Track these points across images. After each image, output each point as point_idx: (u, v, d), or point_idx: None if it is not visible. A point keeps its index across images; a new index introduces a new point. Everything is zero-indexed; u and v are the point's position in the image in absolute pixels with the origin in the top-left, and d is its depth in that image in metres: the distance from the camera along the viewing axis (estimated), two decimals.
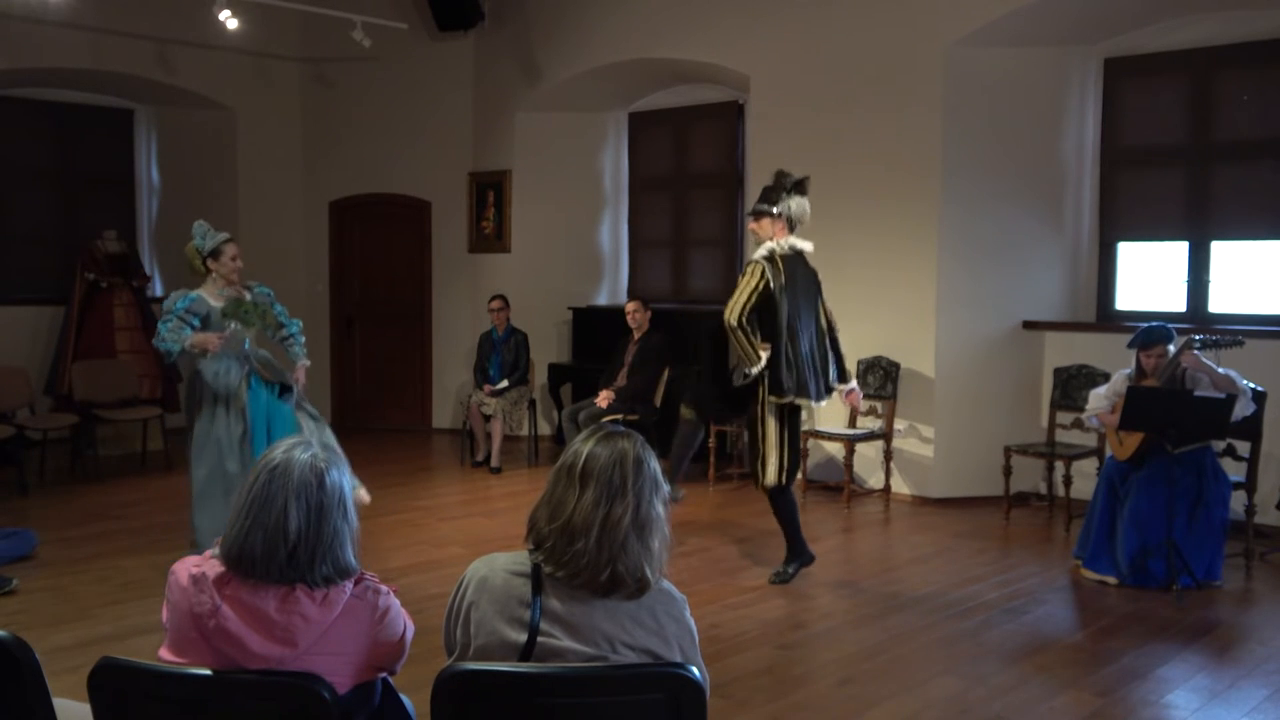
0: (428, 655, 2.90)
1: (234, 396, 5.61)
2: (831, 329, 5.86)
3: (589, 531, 2.15)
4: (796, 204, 5.73)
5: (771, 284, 5.53)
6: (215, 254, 5.68)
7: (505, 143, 10.04)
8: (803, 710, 4.07)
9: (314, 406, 5.99)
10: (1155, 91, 7.40)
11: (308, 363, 6.02)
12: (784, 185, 5.79)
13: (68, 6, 8.60)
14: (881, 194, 7.68)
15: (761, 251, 5.69)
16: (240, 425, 5.61)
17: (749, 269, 5.62)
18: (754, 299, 5.52)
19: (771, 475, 5.63)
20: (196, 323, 5.58)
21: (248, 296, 5.75)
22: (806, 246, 5.77)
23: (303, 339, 6.03)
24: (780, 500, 5.72)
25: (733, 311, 5.53)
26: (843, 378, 5.85)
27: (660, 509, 2.23)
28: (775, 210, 5.71)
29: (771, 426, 5.58)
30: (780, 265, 5.60)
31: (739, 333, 5.52)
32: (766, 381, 5.55)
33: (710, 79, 9.13)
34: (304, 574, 2.22)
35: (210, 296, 5.68)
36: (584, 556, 2.15)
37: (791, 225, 5.76)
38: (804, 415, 6.35)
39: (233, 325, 5.63)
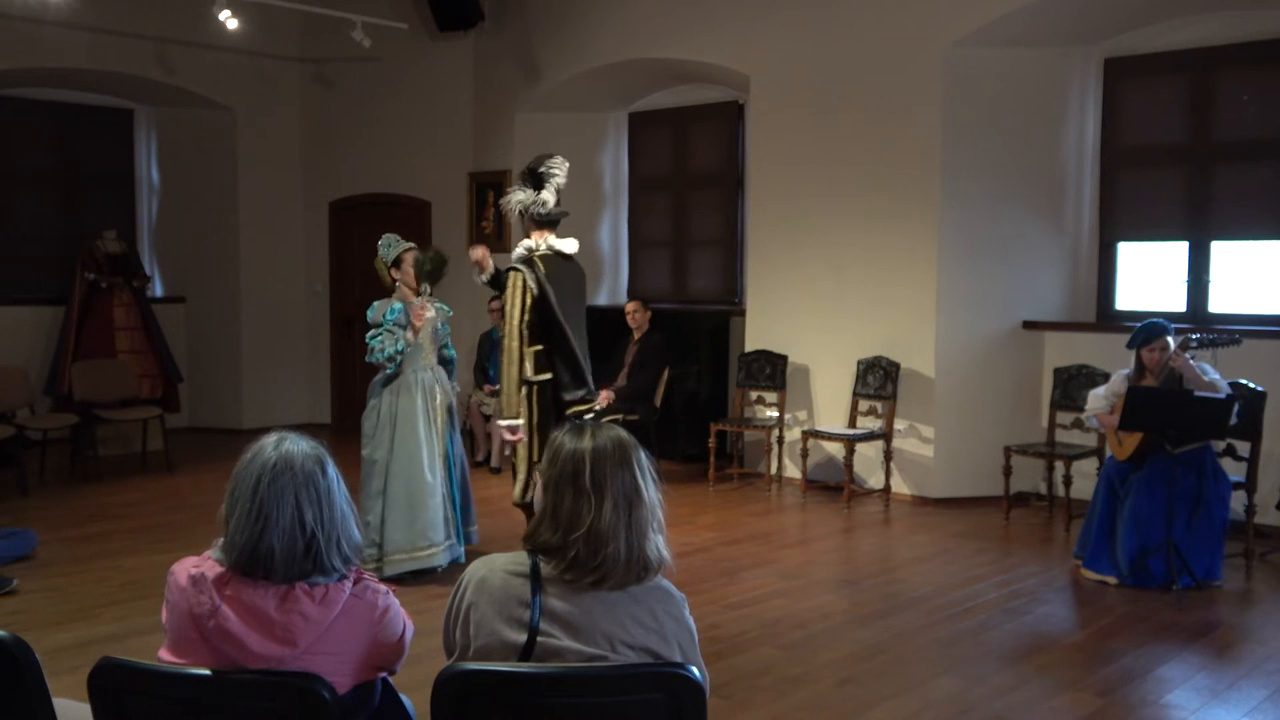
0: (428, 655, 2.90)
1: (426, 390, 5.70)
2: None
3: (616, 537, 2.17)
4: (521, 198, 5.22)
5: (535, 289, 5.15)
6: (398, 263, 5.76)
7: (505, 143, 10.03)
8: (803, 710, 4.07)
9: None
10: (1155, 91, 7.40)
11: (458, 388, 6.11)
12: (523, 175, 5.30)
13: (68, 6, 8.59)
14: (881, 194, 7.68)
15: (518, 252, 5.32)
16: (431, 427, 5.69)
17: (510, 281, 5.21)
18: (528, 313, 5.17)
19: (517, 491, 5.35)
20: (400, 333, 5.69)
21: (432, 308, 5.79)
22: (564, 246, 5.32)
23: (455, 371, 6.06)
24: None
25: (512, 335, 5.18)
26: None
27: (657, 492, 2.26)
28: (510, 205, 5.31)
29: (536, 441, 5.19)
30: (540, 266, 5.21)
31: (514, 365, 5.16)
32: (552, 386, 5.24)
33: (710, 79, 9.13)
34: (319, 562, 2.23)
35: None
36: (616, 560, 2.17)
37: (541, 222, 5.27)
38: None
39: (426, 289, 5.71)
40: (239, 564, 2.22)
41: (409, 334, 5.62)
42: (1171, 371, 5.58)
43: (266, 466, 2.24)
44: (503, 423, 5.27)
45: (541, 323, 5.18)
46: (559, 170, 5.27)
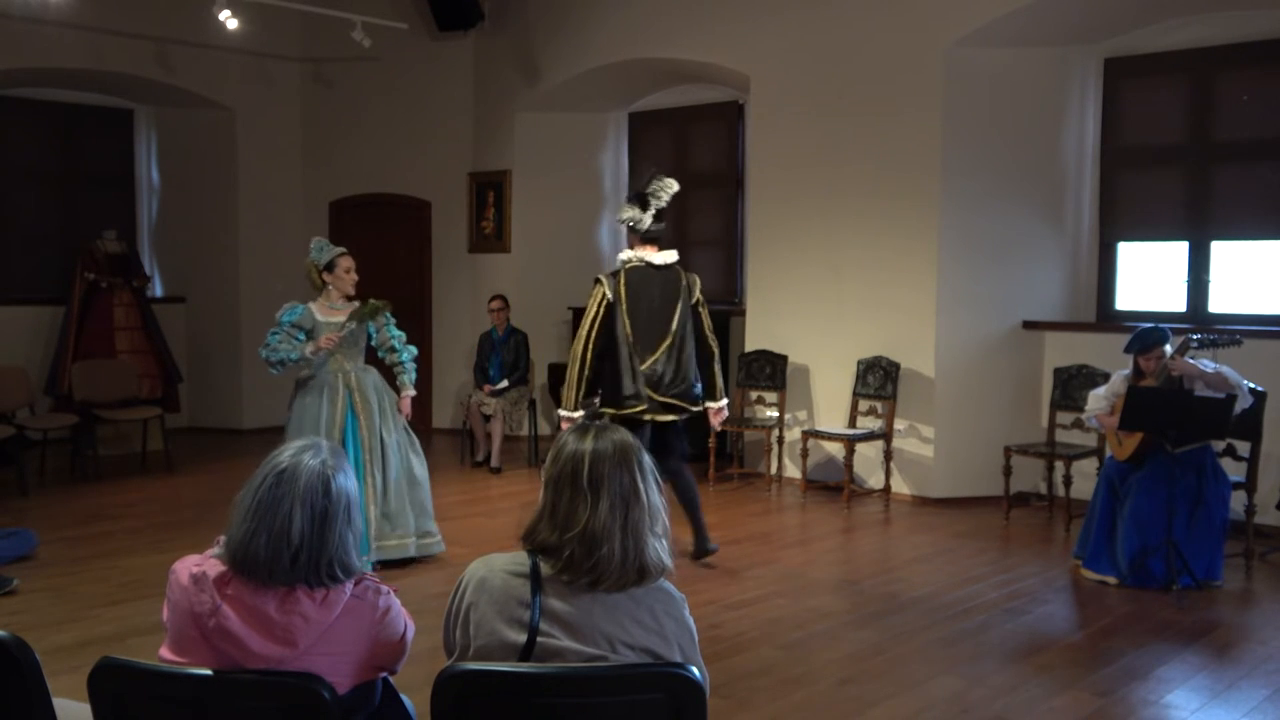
0: (428, 655, 2.91)
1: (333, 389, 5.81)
2: (704, 344, 5.83)
3: (611, 538, 2.17)
4: (628, 215, 5.74)
5: (611, 299, 5.63)
6: (330, 267, 5.86)
7: (505, 143, 10.04)
8: (803, 710, 4.07)
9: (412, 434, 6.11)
10: (1155, 91, 7.40)
11: (413, 392, 6.10)
12: (629, 194, 5.84)
13: (68, 6, 8.59)
14: (881, 194, 7.68)
15: (615, 265, 5.80)
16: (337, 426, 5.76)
17: (593, 290, 5.71)
18: (596, 323, 5.63)
19: None
20: (302, 336, 5.75)
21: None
22: (657, 259, 5.74)
23: (414, 368, 6.11)
24: None
25: (578, 339, 5.66)
26: (711, 395, 5.84)
27: (660, 496, 2.26)
28: (619, 219, 5.84)
29: None
30: (623, 279, 5.67)
31: (576, 365, 5.62)
32: (609, 397, 5.65)
33: (710, 79, 9.13)
34: (307, 576, 2.22)
35: (319, 310, 5.84)
36: (610, 561, 2.16)
37: (642, 238, 5.73)
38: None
39: (350, 325, 5.81)
40: (233, 560, 2.22)
41: (307, 348, 5.73)
42: (1168, 375, 5.58)
43: (274, 470, 2.24)
44: (562, 413, 5.72)
45: (608, 332, 5.64)
46: (665, 194, 5.76)
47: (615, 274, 5.69)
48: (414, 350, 6.14)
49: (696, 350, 5.78)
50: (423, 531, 5.97)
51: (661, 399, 5.63)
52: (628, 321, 5.62)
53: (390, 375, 6.13)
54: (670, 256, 5.78)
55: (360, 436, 5.80)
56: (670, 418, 5.69)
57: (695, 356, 5.76)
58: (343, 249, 5.98)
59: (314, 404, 5.80)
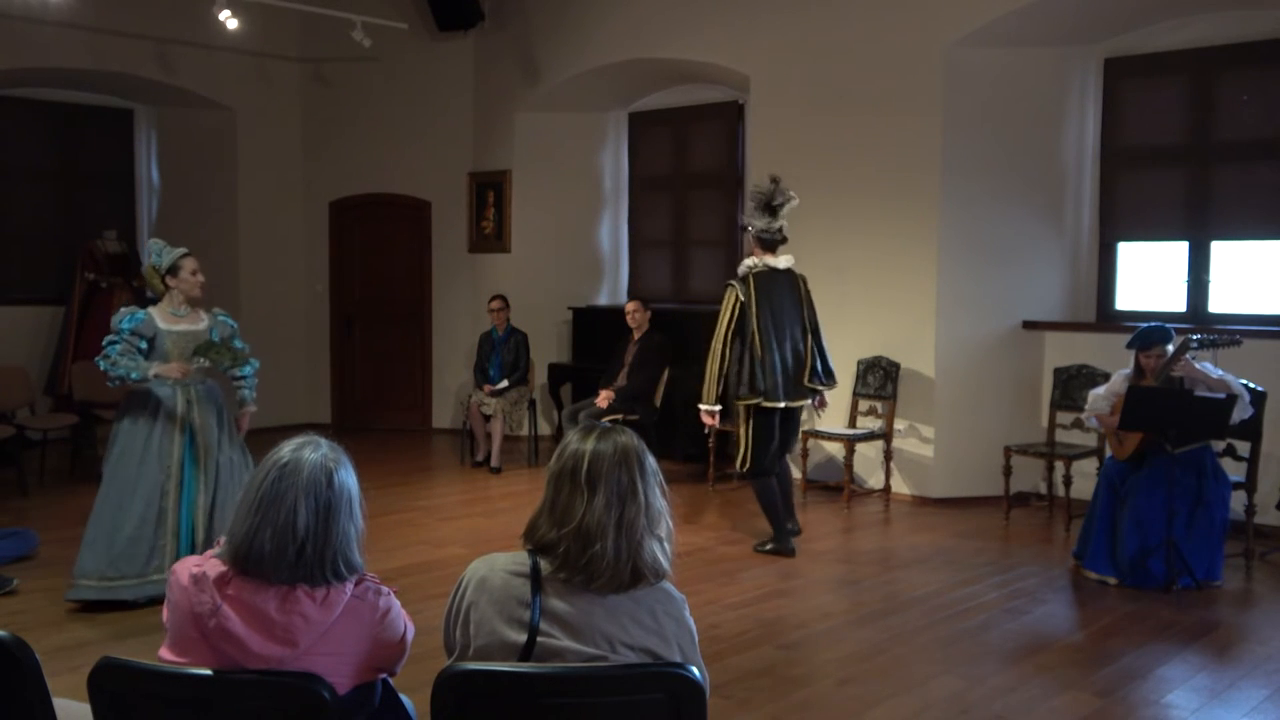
0: (428, 655, 2.90)
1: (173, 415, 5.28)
2: (816, 337, 6.31)
3: (604, 535, 2.16)
4: (759, 225, 6.21)
5: (743, 300, 6.09)
6: (174, 270, 5.28)
7: (505, 143, 10.04)
8: (803, 710, 4.07)
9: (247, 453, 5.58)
10: (1155, 91, 7.39)
11: (254, 408, 5.70)
12: (755, 203, 6.26)
13: (68, 6, 8.59)
14: (881, 194, 7.68)
15: (740, 269, 6.25)
16: (175, 450, 5.27)
17: (726, 294, 6.17)
18: (731, 324, 6.10)
19: (739, 462, 6.29)
20: (144, 344, 5.22)
21: (208, 322, 5.44)
22: (779, 264, 6.23)
23: (255, 381, 5.71)
24: (754, 485, 6.32)
25: (716, 338, 6.12)
26: (824, 381, 6.30)
27: (663, 500, 2.26)
28: (746, 228, 6.31)
29: (743, 421, 6.18)
30: (752, 283, 6.13)
31: (715, 361, 6.11)
32: (739, 387, 6.10)
33: (710, 79, 9.13)
34: (310, 572, 2.22)
35: (161, 317, 5.29)
36: (603, 559, 2.16)
37: (765, 244, 6.20)
38: (804, 415, 6.71)
39: (201, 361, 5.34)
40: (235, 559, 2.22)
41: (151, 371, 5.16)
42: (1169, 375, 5.58)
43: (276, 465, 2.24)
44: (702, 407, 6.22)
45: (740, 330, 6.10)
46: (790, 204, 6.23)
47: (745, 279, 6.14)
48: (256, 364, 5.66)
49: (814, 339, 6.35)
50: None
51: (797, 384, 6.20)
52: (760, 320, 6.08)
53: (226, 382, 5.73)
54: (789, 260, 6.27)
55: (196, 457, 5.31)
56: (802, 402, 6.28)
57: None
58: (185, 250, 5.35)
59: (146, 426, 5.22)
